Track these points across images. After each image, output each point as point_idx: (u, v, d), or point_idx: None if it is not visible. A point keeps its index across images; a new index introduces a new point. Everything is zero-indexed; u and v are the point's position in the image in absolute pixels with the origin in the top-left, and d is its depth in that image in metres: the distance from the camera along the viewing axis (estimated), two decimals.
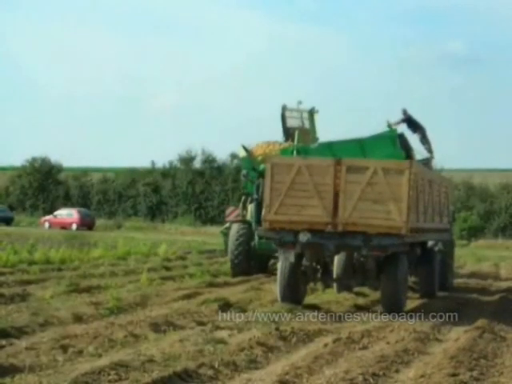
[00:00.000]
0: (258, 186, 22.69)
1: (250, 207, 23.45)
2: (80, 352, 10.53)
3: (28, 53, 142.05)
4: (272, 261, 24.04)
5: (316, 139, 24.04)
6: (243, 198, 25.24)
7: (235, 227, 22.99)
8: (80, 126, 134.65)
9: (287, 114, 25.30)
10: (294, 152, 21.82)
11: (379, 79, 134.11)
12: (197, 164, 70.37)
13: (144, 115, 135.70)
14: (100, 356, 10.37)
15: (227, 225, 24.54)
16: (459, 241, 47.67)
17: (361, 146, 20.87)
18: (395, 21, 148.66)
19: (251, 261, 22.93)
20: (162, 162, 72.95)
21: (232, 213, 26.93)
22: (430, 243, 20.13)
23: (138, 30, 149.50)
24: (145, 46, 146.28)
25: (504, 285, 24.13)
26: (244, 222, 23.32)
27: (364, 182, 15.14)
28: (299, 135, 22.86)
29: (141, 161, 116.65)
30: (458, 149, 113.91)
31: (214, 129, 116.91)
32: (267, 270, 23.80)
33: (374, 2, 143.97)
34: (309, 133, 24.66)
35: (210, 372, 9.65)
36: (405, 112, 21.72)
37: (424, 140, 22.10)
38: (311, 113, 25.12)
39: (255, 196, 22.75)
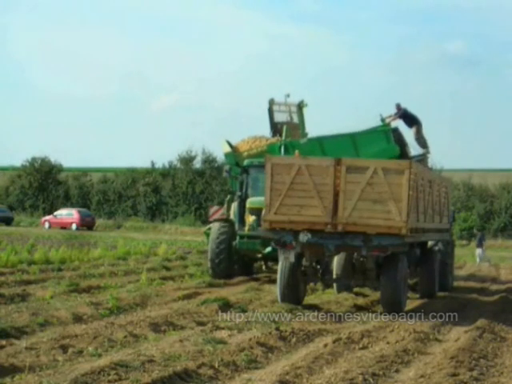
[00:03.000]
0: (241, 183, 22.00)
1: (233, 205, 22.58)
2: (80, 352, 10.54)
3: (28, 53, 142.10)
4: (259, 263, 23.30)
5: (305, 134, 23.31)
6: (228, 196, 24.31)
7: (216, 226, 21.89)
8: (80, 126, 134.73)
9: (275, 108, 24.35)
10: (282, 148, 21.47)
11: (379, 79, 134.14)
12: (197, 164, 70.35)
13: (144, 115, 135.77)
14: (100, 356, 10.37)
15: (210, 225, 23.36)
16: (459, 241, 47.71)
17: (352, 142, 20.44)
18: (395, 21, 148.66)
19: (233, 261, 21.77)
20: (161, 162, 72.99)
21: (216, 212, 25.78)
22: (430, 243, 20.12)
23: (138, 31, 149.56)
24: (145, 46, 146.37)
25: (504, 285, 24.11)
26: (226, 220, 22.33)
27: (364, 181, 15.12)
28: (287, 130, 22.24)
29: (141, 161, 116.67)
30: (457, 149, 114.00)
31: (214, 129, 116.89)
32: (251, 273, 22.84)
33: (374, 2, 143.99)
34: (297, 127, 23.83)
35: (210, 372, 9.65)
36: (398, 106, 21.04)
37: (419, 135, 21.44)
38: (300, 106, 24.15)
39: (238, 193, 22.02)
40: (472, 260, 37.43)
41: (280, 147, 21.50)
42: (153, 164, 72.98)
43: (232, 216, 22.51)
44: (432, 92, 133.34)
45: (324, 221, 15.30)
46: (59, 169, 75.39)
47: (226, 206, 24.13)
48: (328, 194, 15.26)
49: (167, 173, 70.85)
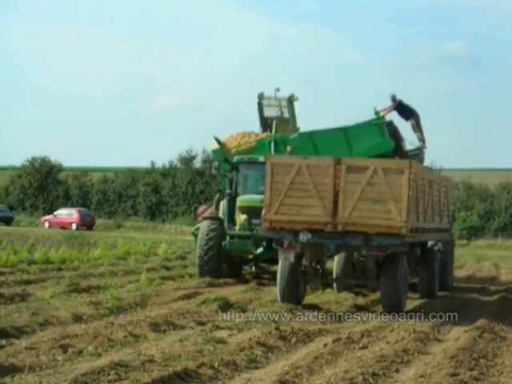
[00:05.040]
0: (231, 180, 21.24)
1: (223, 203, 21.69)
2: (80, 352, 10.53)
3: (28, 53, 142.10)
4: (249, 265, 22.43)
5: (296, 129, 22.58)
6: (217, 195, 23.19)
7: (205, 224, 20.85)
8: (80, 126, 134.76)
9: (264, 102, 23.46)
10: (272, 143, 21.13)
11: (379, 79, 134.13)
12: (197, 164, 70.33)
13: (144, 115, 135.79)
14: (100, 356, 10.36)
15: (199, 225, 22.21)
16: (459, 241, 47.69)
17: (345, 136, 19.98)
18: (395, 21, 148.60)
19: (221, 262, 20.82)
20: (161, 161, 73.03)
21: (204, 211, 24.75)
22: (430, 243, 20.11)
23: (138, 31, 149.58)
24: (145, 46, 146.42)
25: (504, 285, 24.10)
26: (216, 218, 21.35)
27: (364, 181, 15.12)
28: (277, 125, 21.72)
29: (141, 161, 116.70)
30: (457, 148, 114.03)
31: (215, 128, 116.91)
32: (240, 275, 21.94)
33: (374, 1, 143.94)
34: (288, 122, 23.00)
35: (210, 372, 9.65)
36: (394, 98, 20.38)
37: (417, 128, 20.79)
38: (290, 100, 23.12)
39: (228, 191, 21.24)
40: (472, 259, 37.46)
41: (270, 143, 21.06)
42: (153, 164, 73.07)
43: (221, 214, 21.67)
44: (432, 92, 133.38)
45: (324, 220, 15.29)
46: (59, 169, 75.44)
47: (214, 205, 23.16)
48: (328, 194, 15.25)
49: (167, 173, 70.84)
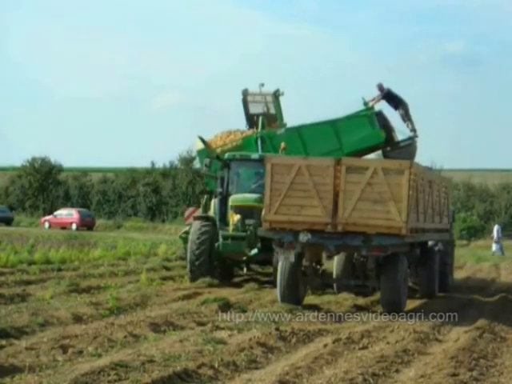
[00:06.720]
0: (222, 178, 20.31)
1: (214, 202, 20.69)
2: (80, 352, 10.53)
3: (28, 53, 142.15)
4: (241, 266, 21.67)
5: (283, 124, 22.06)
6: (205, 197, 22.17)
7: (197, 224, 19.69)
8: (80, 126, 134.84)
9: (249, 98, 22.76)
10: (258, 140, 20.78)
11: (379, 79, 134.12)
12: (197, 164, 70.26)
13: (144, 115, 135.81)
14: (100, 356, 10.36)
15: (187, 228, 21.04)
16: (459, 241, 47.67)
17: (334, 129, 19.58)
18: (395, 21, 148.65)
19: (214, 265, 19.81)
20: (161, 162, 73.06)
21: (192, 214, 23.47)
22: (430, 243, 20.10)
23: (138, 31, 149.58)
24: (145, 46, 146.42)
25: (504, 285, 24.11)
26: (207, 218, 20.10)
27: (364, 181, 15.11)
28: (263, 121, 21.26)
29: (141, 161, 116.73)
30: (457, 149, 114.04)
31: (215, 129, 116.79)
32: (231, 276, 21.20)
33: (374, 1, 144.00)
34: (275, 118, 22.38)
35: (210, 372, 9.65)
36: (381, 87, 19.97)
37: (406, 117, 20.35)
38: (276, 95, 22.43)
39: (219, 189, 20.28)
40: (472, 259, 37.47)
41: (256, 140, 20.69)
42: (153, 164, 73.11)
43: (212, 213, 20.62)
44: (432, 92, 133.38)
45: (324, 221, 15.29)
46: (59, 169, 75.44)
47: (202, 208, 22.03)
48: (328, 194, 15.25)
49: (167, 173, 70.85)
